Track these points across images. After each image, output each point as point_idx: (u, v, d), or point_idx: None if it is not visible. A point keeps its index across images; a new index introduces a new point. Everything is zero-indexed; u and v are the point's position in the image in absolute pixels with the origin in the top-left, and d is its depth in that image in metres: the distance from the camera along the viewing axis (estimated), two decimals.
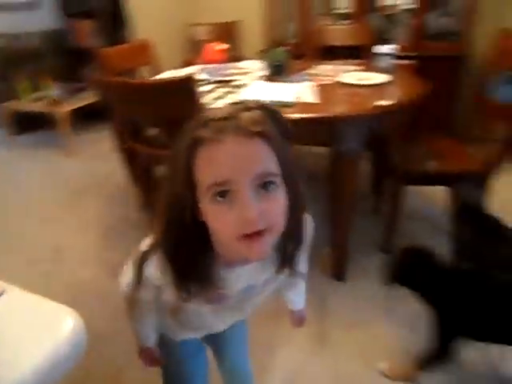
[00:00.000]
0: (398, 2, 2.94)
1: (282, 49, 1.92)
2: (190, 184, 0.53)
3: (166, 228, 0.58)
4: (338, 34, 2.59)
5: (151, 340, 0.84)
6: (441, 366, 1.20)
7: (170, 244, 0.58)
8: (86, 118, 3.64)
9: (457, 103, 2.69)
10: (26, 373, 0.40)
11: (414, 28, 2.74)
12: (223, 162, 0.50)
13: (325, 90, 1.66)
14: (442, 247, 1.33)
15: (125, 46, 2.41)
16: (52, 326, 0.44)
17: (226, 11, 3.41)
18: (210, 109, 0.52)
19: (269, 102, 1.53)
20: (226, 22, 3.36)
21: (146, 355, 0.87)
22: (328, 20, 3.13)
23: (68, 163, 3.16)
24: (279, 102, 1.51)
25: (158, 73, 2.32)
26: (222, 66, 2.19)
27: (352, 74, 1.83)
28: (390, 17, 2.95)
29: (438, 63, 2.58)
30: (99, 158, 3.17)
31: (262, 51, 3.11)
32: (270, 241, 0.53)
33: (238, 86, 1.79)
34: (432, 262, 1.17)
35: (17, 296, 0.47)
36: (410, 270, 1.18)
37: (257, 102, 0.56)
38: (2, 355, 0.41)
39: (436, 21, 2.79)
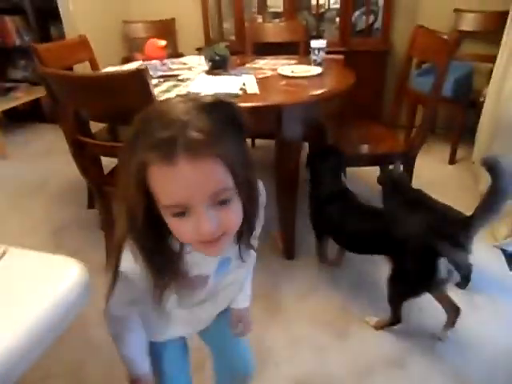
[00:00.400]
0: (326, 1, 3.17)
1: (223, 44, 2.01)
2: (144, 196, 0.53)
3: (129, 223, 0.57)
4: (274, 30, 2.73)
5: (144, 365, 0.79)
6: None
7: (135, 235, 0.58)
8: (17, 118, 3.47)
9: (383, 93, 2.96)
10: (33, 321, 0.45)
11: (342, 25, 2.96)
12: (177, 186, 0.50)
13: (266, 81, 1.79)
14: None
15: (62, 42, 2.36)
16: (58, 276, 0.50)
17: (161, 9, 3.42)
18: (157, 113, 0.53)
19: (213, 93, 1.62)
20: (162, 20, 3.37)
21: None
22: (262, 18, 3.28)
23: (2, 166, 3.01)
24: (225, 93, 1.60)
25: (96, 70, 2.31)
26: (164, 61, 2.23)
27: (289, 67, 1.97)
28: (320, 15, 3.16)
29: (364, 57, 2.82)
30: (35, 160, 3.06)
31: (198, 49, 3.20)
32: (226, 241, 0.57)
33: (183, 80, 1.86)
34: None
35: (20, 254, 0.52)
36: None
37: (209, 96, 0.56)
38: (14, 305, 0.46)
39: (361, 19, 3.04)
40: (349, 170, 1.96)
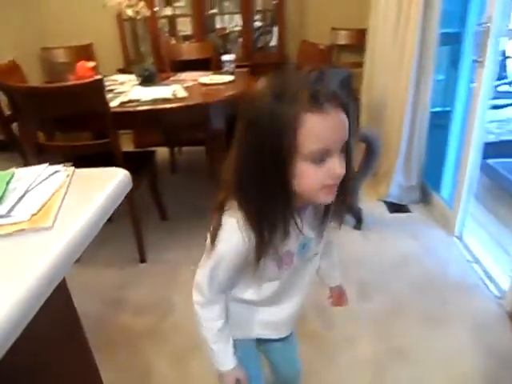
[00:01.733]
0: (229, 24, 3.70)
1: (150, 61, 2.40)
2: (282, 148, 0.60)
3: (248, 186, 0.66)
4: (188, 50, 3.18)
5: (233, 359, 0.84)
6: None
7: (253, 198, 0.66)
8: None
9: None
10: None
11: (244, 44, 3.51)
12: (327, 133, 0.60)
13: (191, 88, 2.22)
14: None
15: None
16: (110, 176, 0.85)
17: (79, 35, 3.68)
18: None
19: (151, 98, 2.00)
20: (79, 45, 3.63)
21: (231, 379, 0.84)
22: (174, 40, 3.72)
23: None
24: (160, 97, 2.00)
25: None
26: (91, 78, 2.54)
27: (207, 77, 2.42)
28: (225, 36, 3.69)
29: (265, 69, 3.35)
30: None
31: (120, 70, 3.52)
32: (335, 190, 0.67)
33: (120, 93, 2.20)
34: None
35: (77, 172, 0.86)
36: None
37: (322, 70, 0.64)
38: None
39: (259, 38, 3.63)
40: None
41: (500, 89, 3.40)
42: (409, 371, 1.43)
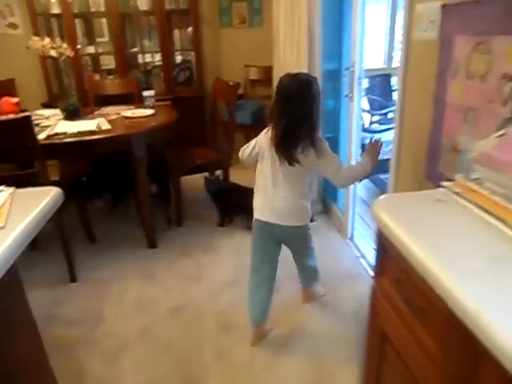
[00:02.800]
0: (150, 60, 3.99)
1: (74, 97, 2.61)
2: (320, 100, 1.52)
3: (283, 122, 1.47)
4: (112, 85, 3.40)
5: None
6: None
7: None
8: None
9: (205, 125, 3.88)
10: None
11: (166, 79, 3.83)
12: None
13: (114, 121, 2.46)
14: (212, 209, 2.34)
15: None
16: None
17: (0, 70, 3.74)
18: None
19: (77, 131, 2.22)
20: (1, 80, 3.69)
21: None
22: (98, 75, 3.92)
23: None
24: (85, 130, 2.22)
25: None
26: (20, 115, 2.68)
27: (130, 111, 2.68)
28: (148, 72, 3.97)
29: (187, 102, 3.70)
30: None
31: (44, 104, 3.64)
32: None
33: (46, 127, 2.38)
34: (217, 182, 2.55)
35: (17, 191, 1.08)
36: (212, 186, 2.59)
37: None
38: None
39: (180, 73, 3.97)
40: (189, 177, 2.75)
41: (390, 115, 4.04)
42: (309, 344, 1.75)
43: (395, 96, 4.45)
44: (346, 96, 2.25)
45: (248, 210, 2.60)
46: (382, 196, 0.99)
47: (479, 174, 0.88)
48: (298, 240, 1.80)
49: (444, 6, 1.30)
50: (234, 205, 2.67)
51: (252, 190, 2.63)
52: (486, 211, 0.83)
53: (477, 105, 1.20)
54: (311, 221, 2.71)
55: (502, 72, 1.08)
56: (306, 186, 1.65)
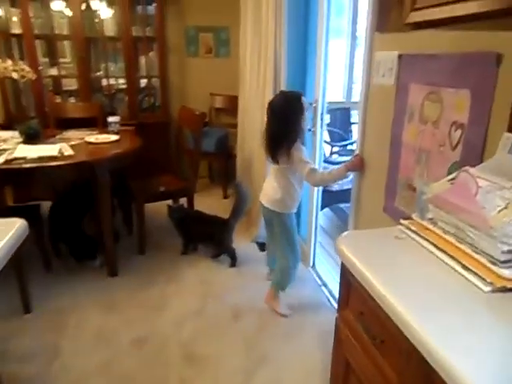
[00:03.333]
0: (115, 83, 3.96)
1: (35, 120, 2.55)
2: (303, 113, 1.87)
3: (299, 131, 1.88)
4: (74, 108, 3.35)
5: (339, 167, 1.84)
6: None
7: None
8: None
9: (169, 152, 3.88)
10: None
11: (130, 104, 3.82)
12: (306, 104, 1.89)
13: (77, 147, 2.42)
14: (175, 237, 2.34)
15: None
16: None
17: None
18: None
19: (37, 156, 2.16)
20: None
21: (357, 160, 1.78)
22: (59, 97, 3.84)
23: None
24: (46, 155, 2.16)
25: None
26: None
27: (93, 136, 2.65)
28: (112, 96, 3.95)
29: (152, 127, 3.70)
30: None
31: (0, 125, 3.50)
32: None
33: (4, 150, 2.30)
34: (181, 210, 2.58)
35: None
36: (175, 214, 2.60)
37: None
38: None
39: (144, 99, 3.98)
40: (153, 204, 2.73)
41: (349, 147, 4.24)
42: (272, 373, 1.76)
43: (354, 129, 4.69)
44: (310, 130, 2.35)
45: (213, 239, 2.62)
46: (345, 233, 1.06)
47: (433, 214, 0.96)
48: (274, 225, 2.10)
49: (400, 56, 1.43)
50: (198, 233, 2.67)
51: (216, 218, 2.66)
52: (440, 249, 0.91)
53: (429, 148, 1.31)
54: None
55: (451, 120, 1.19)
56: (289, 183, 1.99)
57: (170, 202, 2.88)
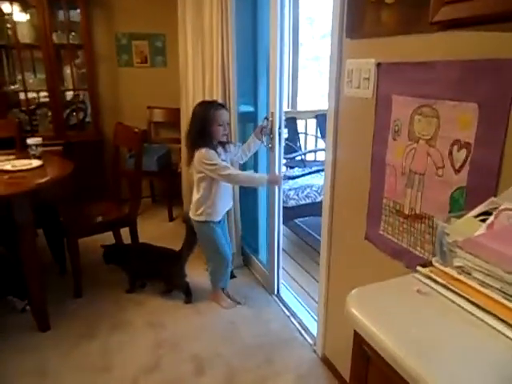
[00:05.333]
0: (35, 96, 3.47)
1: None
2: (210, 123, 1.93)
3: (201, 139, 1.93)
4: None
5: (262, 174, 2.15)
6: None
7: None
8: None
9: (105, 174, 3.46)
10: None
11: (55, 122, 3.35)
12: (222, 116, 1.95)
13: None
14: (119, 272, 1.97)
15: None
16: None
17: None
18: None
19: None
20: None
21: (274, 177, 2.06)
22: None
23: None
24: None
25: None
26: None
27: (9, 162, 2.20)
28: (32, 111, 3.44)
29: (82, 147, 3.27)
30: None
31: None
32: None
33: None
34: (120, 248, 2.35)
35: None
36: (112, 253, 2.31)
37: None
38: None
39: (72, 115, 3.52)
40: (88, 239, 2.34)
41: (297, 158, 4.08)
42: None
43: (302, 139, 4.58)
44: (266, 146, 2.13)
45: (163, 273, 2.29)
46: (354, 291, 0.83)
47: (464, 261, 0.77)
48: (196, 232, 2.16)
49: (379, 65, 1.24)
50: (145, 268, 2.31)
51: (165, 250, 2.33)
52: (482, 309, 0.71)
53: (423, 169, 1.13)
54: (231, 277, 2.49)
55: (452, 138, 1.02)
56: (206, 190, 2.02)
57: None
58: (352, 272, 1.56)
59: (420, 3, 1.05)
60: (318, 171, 3.13)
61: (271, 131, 2.06)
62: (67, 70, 3.44)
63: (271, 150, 2.11)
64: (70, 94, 3.53)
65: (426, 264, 0.85)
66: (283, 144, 2.13)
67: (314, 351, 1.92)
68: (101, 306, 2.26)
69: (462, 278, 0.77)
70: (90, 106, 3.46)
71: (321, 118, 4.28)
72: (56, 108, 3.35)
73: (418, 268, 0.85)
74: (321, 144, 4.49)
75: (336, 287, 1.70)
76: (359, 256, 1.49)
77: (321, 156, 4.46)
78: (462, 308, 0.74)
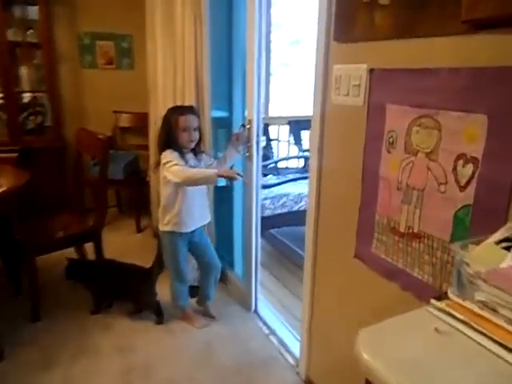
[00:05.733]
0: None
1: None
2: (174, 128, 1.83)
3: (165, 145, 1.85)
4: None
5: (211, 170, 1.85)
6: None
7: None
8: None
9: (67, 184, 3.22)
10: None
11: (10, 125, 3.08)
12: (187, 122, 1.83)
13: None
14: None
15: None
16: None
17: None
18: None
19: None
20: None
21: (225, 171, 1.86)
22: None
23: None
24: None
25: None
26: None
27: None
28: None
29: (41, 153, 3.03)
30: None
31: None
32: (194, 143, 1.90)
33: None
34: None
35: None
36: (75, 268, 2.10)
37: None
38: None
39: (28, 118, 3.26)
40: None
41: (270, 166, 3.98)
42: None
43: (274, 146, 4.48)
44: (243, 155, 2.01)
45: (131, 292, 2.11)
46: (364, 331, 0.72)
47: (488, 296, 0.68)
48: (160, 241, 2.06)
49: (372, 71, 1.15)
50: (112, 287, 2.12)
51: (134, 267, 2.15)
52: (508, 349, 0.62)
53: (422, 185, 1.05)
54: (192, 295, 2.33)
55: (457, 152, 0.94)
56: (167, 195, 1.92)
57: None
58: (339, 291, 1.46)
59: (420, 4, 0.96)
60: (294, 180, 3.04)
61: (248, 139, 1.95)
62: (23, 70, 3.19)
63: (248, 159, 1.99)
64: (27, 96, 3.27)
65: (441, 296, 0.76)
66: (261, 153, 2.02)
67: (297, 373, 1.80)
68: (62, 330, 2.05)
69: (485, 314, 0.68)
70: (50, 110, 3.21)
71: (294, 124, 4.22)
72: (11, 111, 3.09)
73: (433, 301, 0.75)
74: (293, 151, 4.43)
75: (321, 306, 1.60)
76: (347, 274, 1.39)
77: (293, 163, 4.40)
78: (489, 350, 0.64)
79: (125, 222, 3.39)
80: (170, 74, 2.47)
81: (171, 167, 1.77)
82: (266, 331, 2.10)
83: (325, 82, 1.35)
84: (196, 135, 1.87)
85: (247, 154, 1.99)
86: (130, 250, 2.73)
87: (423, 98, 1.01)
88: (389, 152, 1.14)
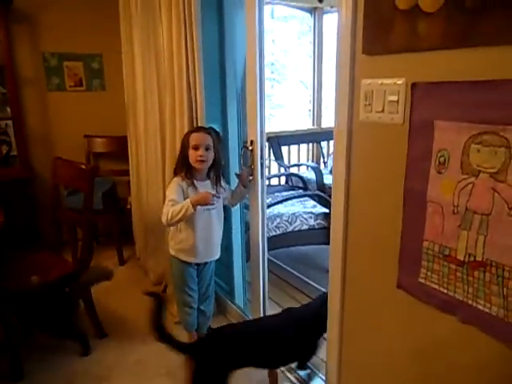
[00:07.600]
0: None
1: None
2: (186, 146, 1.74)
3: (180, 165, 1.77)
4: None
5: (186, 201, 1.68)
6: None
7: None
8: None
9: (39, 218, 2.92)
10: None
11: None
12: (197, 138, 1.72)
13: None
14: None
15: None
16: None
17: None
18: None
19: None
20: None
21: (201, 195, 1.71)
22: None
23: None
24: None
25: None
26: None
27: None
28: None
29: (8, 186, 2.73)
30: None
31: None
32: (206, 165, 1.76)
33: None
34: None
35: None
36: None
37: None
38: None
39: None
40: None
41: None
42: None
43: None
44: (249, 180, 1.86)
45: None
46: None
47: None
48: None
49: (415, 85, 1.05)
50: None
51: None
52: None
53: (487, 208, 0.94)
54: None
55: None
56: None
57: None
58: (378, 328, 1.32)
59: (480, 8, 0.87)
60: (287, 199, 2.91)
61: (253, 161, 1.80)
62: None
63: (253, 183, 1.85)
64: None
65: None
66: (266, 175, 1.88)
67: None
68: None
69: None
70: (15, 138, 2.92)
71: (273, 140, 4.13)
72: None
73: None
74: (274, 168, 4.35)
75: (354, 347, 1.44)
76: (388, 308, 1.26)
77: (275, 180, 4.30)
78: None
79: (104, 253, 3.12)
80: (154, 92, 2.30)
81: (165, 205, 1.71)
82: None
83: (351, 98, 1.24)
84: (208, 155, 1.72)
85: (251, 178, 1.84)
86: (118, 286, 2.49)
87: (485, 112, 0.91)
88: (439, 173, 1.03)
